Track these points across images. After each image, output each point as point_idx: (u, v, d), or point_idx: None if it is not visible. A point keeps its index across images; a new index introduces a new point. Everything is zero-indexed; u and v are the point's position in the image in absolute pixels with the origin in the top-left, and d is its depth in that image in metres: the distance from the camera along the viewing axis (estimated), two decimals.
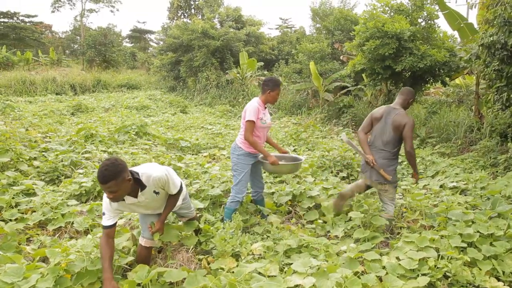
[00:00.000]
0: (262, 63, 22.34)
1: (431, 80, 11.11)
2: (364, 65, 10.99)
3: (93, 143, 7.14)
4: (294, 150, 8.94)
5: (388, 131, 3.90)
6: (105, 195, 2.70)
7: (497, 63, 7.19)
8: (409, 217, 3.88)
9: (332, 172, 6.20)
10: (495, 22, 6.76)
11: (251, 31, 24.17)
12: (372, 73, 11.21)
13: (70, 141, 7.02)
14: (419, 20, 11.05)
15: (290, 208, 4.51)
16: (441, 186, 5.79)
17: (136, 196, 2.78)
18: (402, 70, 10.38)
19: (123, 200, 2.76)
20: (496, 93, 7.83)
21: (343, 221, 4.02)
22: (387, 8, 11.09)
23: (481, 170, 7.40)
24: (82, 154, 6.27)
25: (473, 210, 4.33)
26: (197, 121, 14.21)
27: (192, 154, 8.09)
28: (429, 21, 10.84)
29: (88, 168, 5.62)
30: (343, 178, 6.15)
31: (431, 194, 5.05)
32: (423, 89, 11.68)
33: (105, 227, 2.79)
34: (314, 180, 5.33)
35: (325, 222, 4.08)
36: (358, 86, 16.63)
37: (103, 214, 2.83)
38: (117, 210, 2.85)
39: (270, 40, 27.19)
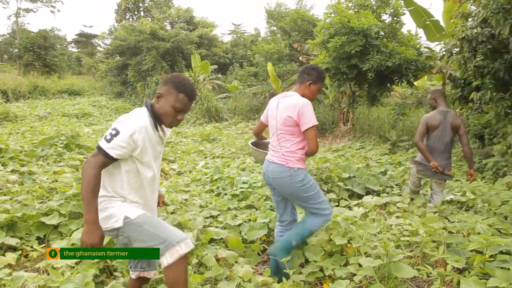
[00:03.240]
0: (215, 66, 21.12)
1: (398, 80, 10.44)
2: (329, 64, 10.09)
3: (0, 162, 5.52)
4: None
5: (448, 133, 4.17)
6: (131, 122, 2.02)
7: (481, 57, 6.48)
8: (433, 255, 2.81)
9: None
10: (480, 12, 6.03)
11: (203, 33, 22.89)
12: (336, 73, 10.34)
13: None
14: (384, 17, 10.37)
15: (265, 246, 3.31)
16: None
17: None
18: (368, 69, 9.59)
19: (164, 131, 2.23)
20: (478, 91, 7.17)
21: (340, 266, 2.89)
22: (351, 4, 10.31)
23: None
24: None
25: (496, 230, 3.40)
26: None
27: None
28: (394, 18, 10.16)
29: None
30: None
31: (439, 214, 4.07)
32: (389, 90, 11.00)
33: (108, 157, 1.96)
34: None
35: (318, 269, 2.91)
36: None
37: (114, 138, 1.96)
38: (133, 147, 2.01)
39: (223, 43, 26.04)
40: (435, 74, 11.16)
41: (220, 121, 15.59)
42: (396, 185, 5.64)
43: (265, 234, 3.26)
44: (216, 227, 3.49)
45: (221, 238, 3.25)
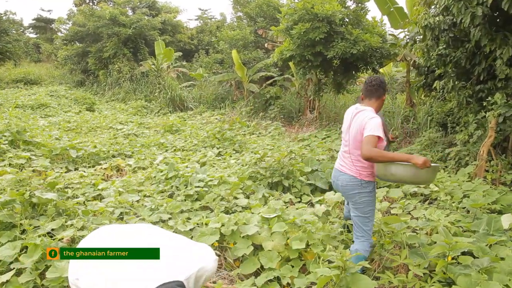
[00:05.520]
0: (180, 53, 20.45)
1: (363, 68, 10.34)
2: (293, 52, 9.83)
3: None
4: (219, 153, 7.46)
5: None
6: None
7: (444, 46, 6.40)
8: (394, 260, 2.64)
9: (269, 184, 4.85)
10: (442, 0, 5.91)
11: (167, 18, 22.05)
12: (301, 60, 10.12)
13: None
14: (349, 3, 10.20)
15: (218, 252, 3.04)
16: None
17: None
18: (333, 57, 9.41)
19: None
20: (440, 79, 7.13)
21: (298, 273, 2.67)
22: None
23: None
24: None
25: (459, 228, 3.29)
26: (105, 121, 12.04)
27: (88, 167, 6.22)
28: (359, 4, 9.99)
29: None
30: (284, 191, 4.84)
31: (400, 208, 3.93)
32: (354, 77, 10.91)
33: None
34: (248, 201, 3.94)
35: (274, 276, 2.67)
36: (284, 76, 15.63)
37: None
38: None
39: (188, 30, 25.25)
40: (400, 61, 11.15)
41: (185, 110, 15.11)
42: None
43: (217, 240, 2.98)
44: None
45: None
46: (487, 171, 5.65)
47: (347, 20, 9.83)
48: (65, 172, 5.66)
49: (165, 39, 19.66)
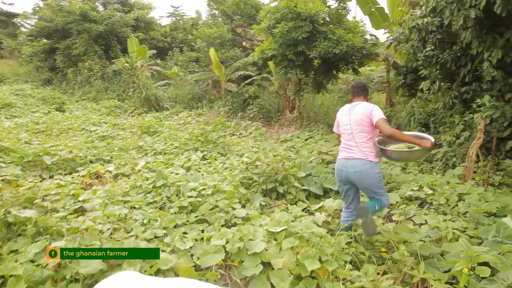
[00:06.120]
0: (154, 51, 19.86)
1: (344, 68, 10.32)
2: (275, 51, 9.66)
3: None
4: (204, 157, 7.19)
5: None
6: None
7: (431, 47, 6.39)
8: (414, 275, 2.50)
9: (263, 191, 4.65)
10: (429, 1, 5.88)
11: (140, 15, 21.36)
12: (283, 59, 9.96)
13: None
14: (330, 2, 10.12)
15: (223, 272, 2.81)
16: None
17: None
18: (315, 56, 9.30)
19: None
20: (423, 80, 7.15)
21: None
22: None
23: (418, 166, 6.64)
24: None
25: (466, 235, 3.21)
26: (77, 122, 11.43)
27: (64, 174, 5.80)
28: (340, 4, 9.93)
29: None
30: (278, 198, 4.65)
31: (401, 214, 3.82)
32: (335, 77, 10.86)
33: None
34: (247, 212, 3.71)
35: None
36: (263, 75, 15.45)
37: None
38: None
39: (162, 27, 24.61)
40: (381, 62, 11.21)
41: (161, 110, 14.63)
42: None
43: (222, 259, 2.75)
44: (162, 251, 2.92)
45: (171, 268, 2.70)
46: (475, 172, 5.68)
47: (328, 19, 9.75)
48: (40, 181, 5.23)
49: (138, 36, 19.03)
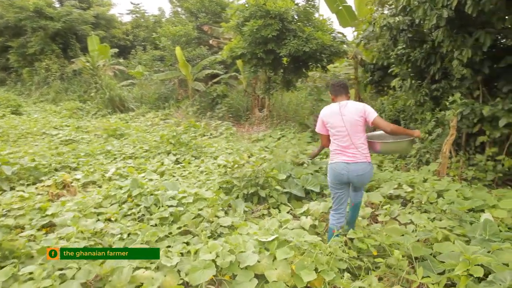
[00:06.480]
0: (116, 50, 19.14)
1: (313, 66, 10.34)
2: (245, 49, 9.52)
3: None
4: (177, 160, 6.94)
5: None
6: None
7: (403, 46, 6.48)
8: (413, 279, 2.45)
9: (244, 196, 4.50)
10: (400, 0, 5.95)
11: (99, 12, 20.49)
12: (252, 58, 9.83)
13: None
14: (298, 1, 10.09)
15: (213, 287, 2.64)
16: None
17: None
18: (284, 55, 9.24)
19: None
20: (394, 78, 7.26)
21: None
22: None
23: (393, 163, 6.74)
24: None
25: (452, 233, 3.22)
26: (36, 125, 10.76)
27: (27, 185, 5.38)
28: (308, 1, 9.92)
29: None
30: (259, 202, 4.51)
31: (386, 215, 3.79)
32: (304, 75, 10.86)
33: None
34: (232, 220, 3.56)
35: None
36: (230, 74, 15.25)
37: None
38: None
39: (123, 24, 23.78)
40: (345, 59, 11.33)
41: (126, 111, 14.10)
42: None
43: (213, 275, 2.59)
44: (146, 268, 2.71)
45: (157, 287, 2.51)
46: (449, 167, 5.82)
47: (297, 17, 9.72)
48: (0, 194, 4.82)
49: (98, 34, 18.22)
